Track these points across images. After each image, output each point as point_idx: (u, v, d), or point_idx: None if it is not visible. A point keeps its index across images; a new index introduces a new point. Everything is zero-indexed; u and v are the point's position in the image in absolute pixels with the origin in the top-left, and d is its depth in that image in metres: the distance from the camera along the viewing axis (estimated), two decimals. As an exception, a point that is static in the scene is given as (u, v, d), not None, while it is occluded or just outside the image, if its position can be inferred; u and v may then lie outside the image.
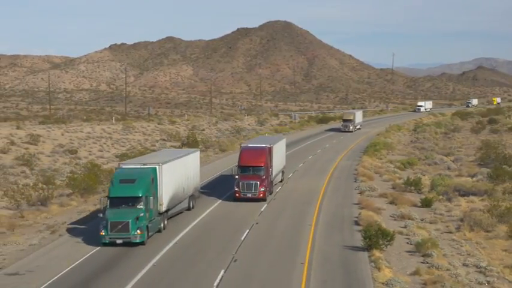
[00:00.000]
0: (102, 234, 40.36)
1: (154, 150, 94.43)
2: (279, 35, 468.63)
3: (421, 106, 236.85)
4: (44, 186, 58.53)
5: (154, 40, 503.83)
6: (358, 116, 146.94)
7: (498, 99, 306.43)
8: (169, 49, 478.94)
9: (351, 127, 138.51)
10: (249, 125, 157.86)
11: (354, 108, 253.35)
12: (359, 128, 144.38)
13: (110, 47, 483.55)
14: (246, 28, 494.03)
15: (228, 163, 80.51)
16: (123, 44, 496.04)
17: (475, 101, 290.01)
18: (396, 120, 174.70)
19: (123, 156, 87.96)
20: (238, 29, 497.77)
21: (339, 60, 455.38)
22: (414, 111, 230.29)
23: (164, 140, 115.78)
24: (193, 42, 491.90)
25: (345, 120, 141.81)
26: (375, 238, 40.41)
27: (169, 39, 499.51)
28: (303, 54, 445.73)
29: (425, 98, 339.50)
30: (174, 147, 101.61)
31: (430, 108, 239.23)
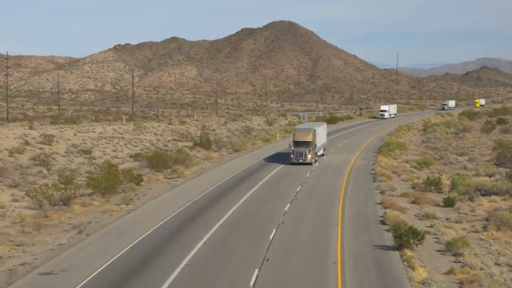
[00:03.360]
0: None
1: (167, 151, 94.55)
2: (283, 35, 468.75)
3: (384, 111, 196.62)
4: (64, 186, 58.49)
5: (159, 40, 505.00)
6: (320, 134, 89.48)
7: (482, 101, 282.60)
8: (173, 49, 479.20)
9: (309, 156, 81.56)
10: (258, 125, 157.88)
11: (361, 109, 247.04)
12: (322, 155, 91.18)
13: (114, 47, 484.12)
14: (250, 28, 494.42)
15: (244, 162, 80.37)
16: (127, 44, 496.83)
17: (451, 103, 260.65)
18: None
19: (137, 157, 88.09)
20: (242, 29, 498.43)
21: (343, 61, 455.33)
22: (376, 117, 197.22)
23: (176, 140, 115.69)
24: (198, 43, 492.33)
25: (297, 144, 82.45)
26: (405, 237, 40.32)
27: (174, 39, 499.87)
28: (307, 55, 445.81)
29: (430, 98, 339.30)
30: (187, 147, 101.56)
31: (395, 114, 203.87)
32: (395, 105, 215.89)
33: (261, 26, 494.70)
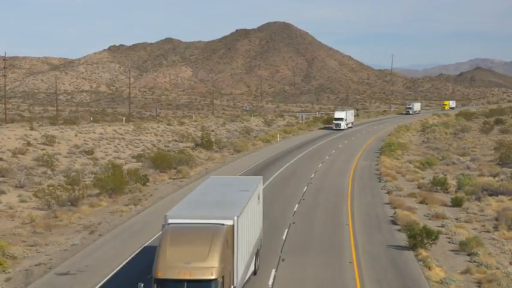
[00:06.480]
0: None
1: (169, 151, 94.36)
2: (278, 36, 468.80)
3: (340, 120, 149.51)
4: (70, 186, 58.28)
5: (153, 41, 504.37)
6: (244, 242, 30.06)
7: (451, 103, 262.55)
8: (168, 50, 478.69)
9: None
10: (256, 125, 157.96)
11: (357, 109, 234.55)
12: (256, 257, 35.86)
13: (108, 48, 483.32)
14: (245, 29, 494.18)
15: (247, 162, 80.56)
16: (121, 45, 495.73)
17: (417, 106, 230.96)
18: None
19: (140, 157, 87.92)
20: (237, 30, 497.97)
21: (338, 61, 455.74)
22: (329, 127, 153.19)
23: (176, 140, 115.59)
24: (192, 44, 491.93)
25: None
26: (419, 237, 40.41)
27: (168, 40, 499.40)
28: (302, 55, 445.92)
29: (425, 99, 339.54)
30: (188, 147, 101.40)
31: (352, 123, 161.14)
32: (352, 111, 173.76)
33: (256, 27, 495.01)
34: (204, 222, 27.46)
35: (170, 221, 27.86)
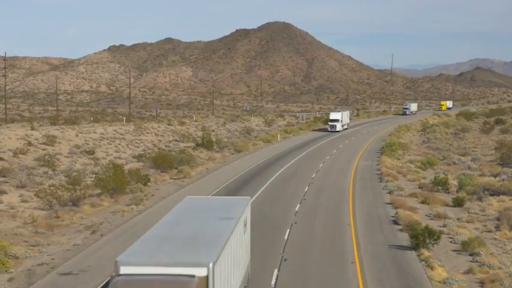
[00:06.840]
0: None
1: (170, 151, 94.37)
2: (278, 36, 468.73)
3: (336, 121, 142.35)
4: (72, 186, 58.27)
5: (153, 41, 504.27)
6: None
7: (448, 103, 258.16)
8: (168, 50, 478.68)
9: None
10: (256, 125, 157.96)
11: (358, 109, 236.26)
12: None
13: (108, 48, 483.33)
14: (245, 29, 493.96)
15: (248, 162, 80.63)
16: (121, 45, 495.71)
17: (414, 106, 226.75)
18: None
19: (141, 157, 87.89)
20: (237, 30, 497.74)
21: (338, 61, 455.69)
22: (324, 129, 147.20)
23: (177, 140, 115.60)
24: (192, 44, 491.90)
25: None
26: (422, 237, 40.42)
27: (168, 40, 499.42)
28: (302, 55, 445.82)
29: (425, 99, 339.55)
30: (189, 147, 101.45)
31: (348, 124, 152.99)
32: (348, 112, 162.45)
33: (256, 27, 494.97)
34: (167, 274, 19.71)
35: (122, 269, 19.97)
